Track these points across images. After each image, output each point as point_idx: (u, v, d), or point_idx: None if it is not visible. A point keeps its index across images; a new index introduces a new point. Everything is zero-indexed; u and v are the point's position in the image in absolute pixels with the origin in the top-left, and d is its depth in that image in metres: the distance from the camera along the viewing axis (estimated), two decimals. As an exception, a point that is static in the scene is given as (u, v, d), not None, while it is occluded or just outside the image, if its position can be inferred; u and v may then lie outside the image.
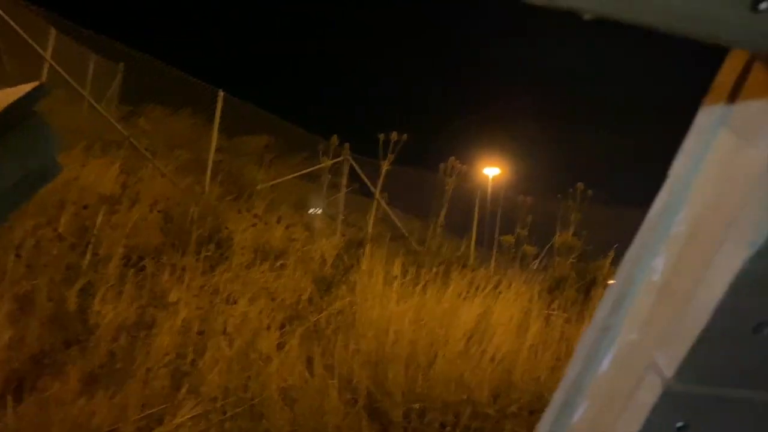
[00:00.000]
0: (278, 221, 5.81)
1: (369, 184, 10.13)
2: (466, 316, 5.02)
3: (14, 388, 3.49)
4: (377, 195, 6.57)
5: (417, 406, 4.17)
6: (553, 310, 5.68)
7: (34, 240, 4.78)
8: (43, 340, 3.70)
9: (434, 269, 5.65)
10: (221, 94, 9.96)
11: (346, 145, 6.60)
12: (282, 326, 4.76)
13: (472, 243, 7.64)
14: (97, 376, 3.74)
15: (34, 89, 0.65)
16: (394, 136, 6.04)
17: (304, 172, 11.00)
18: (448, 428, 4.02)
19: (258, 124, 11.47)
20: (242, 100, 10.81)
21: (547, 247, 6.69)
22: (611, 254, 6.53)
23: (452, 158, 6.63)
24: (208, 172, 9.10)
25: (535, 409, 4.37)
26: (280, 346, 4.56)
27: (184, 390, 3.99)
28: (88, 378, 3.73)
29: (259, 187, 9.26)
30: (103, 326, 4.00)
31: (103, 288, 4.36)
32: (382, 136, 6.11)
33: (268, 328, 4.68)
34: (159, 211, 5.44)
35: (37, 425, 3.37)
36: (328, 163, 7.13)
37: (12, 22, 8.17)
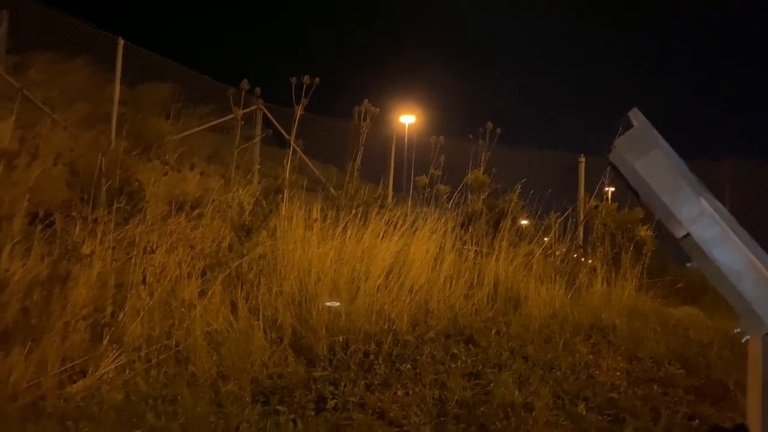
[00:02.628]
0: (191, 168, 5.70)
1: (283, 131, 10.03)
2: (385, 253, 5.21)
3: None
4: (292, 140, 6.55)
5: (340, 338, 4.35)
6: (466, 243, 5.98)
7: (-75, 199, 4.49)
8: (-51, 299, 3.55)
9: (353, 211, 5.77)
10: (121, 41, 9.44)
11: (257, 90, 6.48)
12: (203, 274, 4.76)
13: (390, 183, 7.81)
14: (11, 333, 3.64)
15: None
16: (306, 79, 6.01)
17: (215, 122, 10.73)
18: (371, 356, 4.23)
19: (161, 73, 10.98)
20: (142, 47, 10.29)
21: (461, 185, 6.98)
22: (518, 187, 6.92)
23: (365, 101, 6.68)
24: (113, 125, 8.70)
25: (450, 333, 4.67)
26: (202, 293, 4.58)
27: (105, 341, 3.96)
28: (1, 335, 3.62)
29: (167, 140, 8.96)
30: (14, 283, 3.87)
31: (9, 245, 4.19)
32: (294, 80, 6.05)
33: (189, 276, 4.67)
34: (64, 165, 5.21)
35: (-49, 384, 3.27)
36: (239, 112, 6.99)
37: None
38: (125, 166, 5.93)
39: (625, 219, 7.24)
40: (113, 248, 4.65)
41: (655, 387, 4.33)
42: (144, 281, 4.37)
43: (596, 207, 7.50)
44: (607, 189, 8.27)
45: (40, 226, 4.58)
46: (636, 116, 0.91)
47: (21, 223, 4.52)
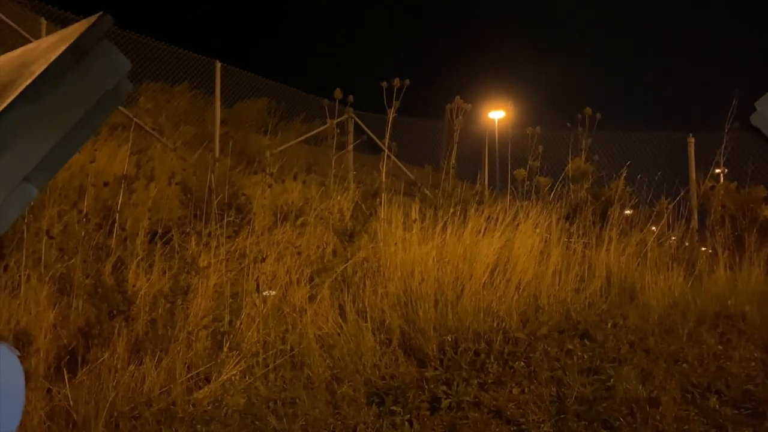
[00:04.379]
0: (295, 178, 5.89)
1: (374, 138, 10.16)
2: (487, 250, 5.12)
3: (67, 362, 3.67)
4: (386, 144, 6.61)
5: (450, 338, 4.31)
6: (572, 235, 5.76)
7: (61, 225, 4.91)
8: (87, 314, 3.85)
9: (451, 210, 5.73)
10: (218, 64, 9.93)
11: (350, 98, 6.60)
12: (311, 279, 4.89)
13: (485, 179, 7.69)
14: (142, 343, 3.90)
15: (100, 17, 0.73)
16: (396, 82, 6.06)
17: (311, 133, 11.02)
18: (482, 355, 4.16)
19: (255, 90, 11.45)
20: (235, 66, 10.79)
21: (561, 176, 6.74)
22: (623, 173, 6.58)
23: (457, 97, 6.63)
24: (216, 144, 9.17)
25: (563, 329, 4.51)
26: (311, 298, 4.70)
27: (225, 348, 4.16)
28: (134, 346, 3.89)
29: (268, 154, 9.32)
30: (141, 296, 4.15)
31: (134, 261, 4.50)
32: (384, 84, 6.12)
33: (298, 282, 4.82)
34: (177, 184, 5.54)
35: (93, 393, 3.55)
36: (333, 122, 7.15)
37: (1, 15, 8.16)
38: (232, 181, 6.23)
39: (746, 199, 6.70)
40: (226, 260, 4.89)
41: (798, 378, 3.98)
42: (257, 289, 4.55)
43: (712, 188, 7.00)
44: (719, 171, 7.70)
45: (159, 243, 4.90)
46: None
47: (143, 241, 4.86)
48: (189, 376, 3.94)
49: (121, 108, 8.93)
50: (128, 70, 0.77)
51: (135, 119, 8.54)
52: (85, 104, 0.73)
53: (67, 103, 0.71)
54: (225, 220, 5.09)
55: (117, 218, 4.97)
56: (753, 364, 4.18)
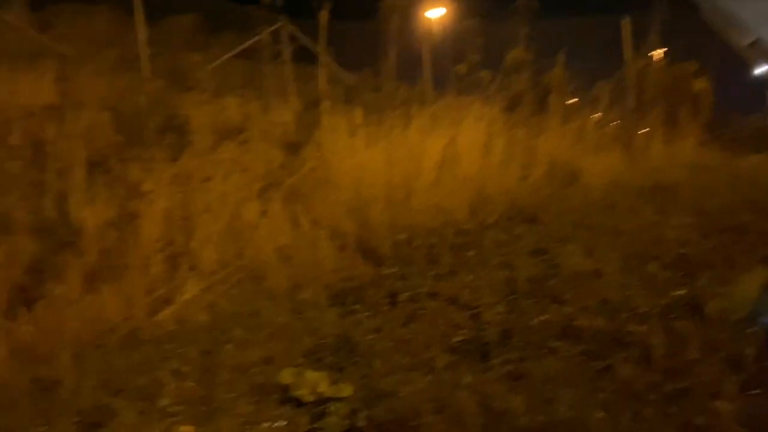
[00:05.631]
0: (231, 94, 5.71)
1: (310, 44, 9.80)
2: (433, 148, 5.16)
3: (22, 299, 3.62)
4: (322, 49, 6.41)
5: (403, 236, 4.42)
6: (514, 125, 5.84)
7: (-10, 163, 4.67)
8: (34, 249, 3.77)
9: (395, 111, 5.69)
10: (136, -21, 9.22)
11: (279, 0, 6.28)
12: (261, 194, 4.86)
13: (428, 78, 7.61)
14: (96, 273, 3.86)
15: None
16: (327, -18, 5.79)
17: (243, 46, 10.54)
18: (436, 249, 4.29)
19: (180, 5, 10.77)
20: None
21: (502, 67, 6.71)
22: (560, 59, 6.60)
23: (389, -4, 6.39)
24: (145, 65, 8.69)
25: (511, 216, 4.67)
26: (264, 213, 4.69)
27: (183, 270, 4.16)
28: (88, 276, 3.85)
29: (200, 71, 8.92)
30: (88, 227, 4.07)
31: (75, 193, 4.37)
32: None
33: (249, 198, 4.78)
34: (109, 110, 5.30)
35: (53, 325, 3.53)
36: (266, 32, 6.86)
37: None
38: (165, 102, 5.99)
39: (678, 74, 6.87)
40: (171, 183, 4.78)
41: (726, 236, 4.25)
42: (208, 209, 4.50)
43: (646, 66, 7.12)
44: (653, 53, 7.79)
45: (99, 171, 4.74)
46: None
47: (81, 171, 4.68)
48: (149, 300, 3.94)
49: (39, 35, 8.32)
50: None
51: (55, 46, 7.98)
52: None
53: None
54: (165, 143, 4.94)
55: (50, 151, 4.75)
56: (687, 228, 4.42)
